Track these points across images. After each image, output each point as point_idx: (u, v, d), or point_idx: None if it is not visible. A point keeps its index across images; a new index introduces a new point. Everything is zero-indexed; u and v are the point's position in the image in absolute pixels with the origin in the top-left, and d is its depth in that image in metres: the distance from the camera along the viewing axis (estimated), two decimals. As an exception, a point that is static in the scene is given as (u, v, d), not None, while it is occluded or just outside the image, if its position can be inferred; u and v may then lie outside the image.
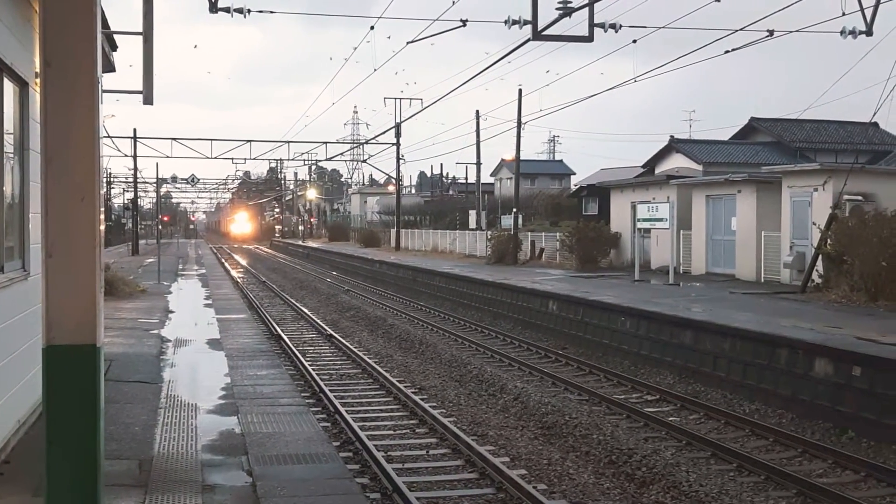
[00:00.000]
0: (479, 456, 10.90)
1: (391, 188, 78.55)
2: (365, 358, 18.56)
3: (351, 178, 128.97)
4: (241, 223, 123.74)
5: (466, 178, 79.94)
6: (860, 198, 23.66)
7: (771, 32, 19.48)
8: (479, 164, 56.36)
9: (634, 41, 21.22)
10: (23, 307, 8.97)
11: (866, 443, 12.17)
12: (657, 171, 45.46)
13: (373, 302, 32.11)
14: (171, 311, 23.28)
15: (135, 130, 55.61)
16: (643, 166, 49.59)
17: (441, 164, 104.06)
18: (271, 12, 19.87)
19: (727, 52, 20.67)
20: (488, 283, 28.90)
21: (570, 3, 17.11)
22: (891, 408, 12.20)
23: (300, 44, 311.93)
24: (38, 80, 8.43)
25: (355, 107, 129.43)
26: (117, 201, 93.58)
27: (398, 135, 57.60)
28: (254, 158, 65.39)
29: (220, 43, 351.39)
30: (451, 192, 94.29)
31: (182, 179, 75.80)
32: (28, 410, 9.33)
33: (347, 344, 20.60)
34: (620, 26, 18.54)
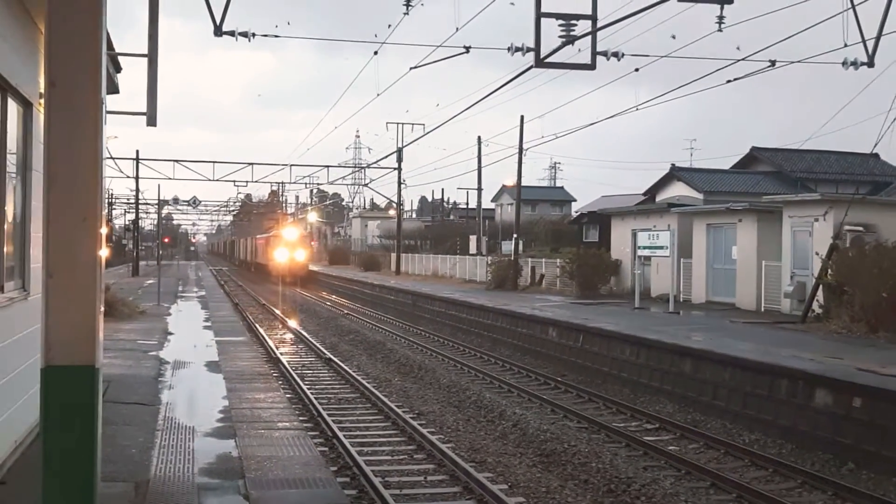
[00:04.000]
0: (476, 483, 10.84)
1: (392, 212, 78.58)
2: (363, 382, 18.49)
3: (352, 201, 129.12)
4: (288, 247, 60.73)
5: (467, 204, 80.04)
6: (861, 228, 23.67)
7: (773, 63, 19.56)
8: (480, 189, 56.49)
9: (637, 70, 21.29)
10: (22, 327, 8.95)
11: (866, 474, 12.10)
12: (658, 199, 45.48)
13: (372, 326, 32.04)
14: (171, 333, 23.24)
15: (137, 152, 55.55)
16: (644, 194, 49.63)
17: (442, 190, 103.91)
18: (276, 37, 19.96)
19: (729, 81, 20.74)
20: (488, 309, 28.85)
21: (573, 31, 17.17)
22: (891, 439, 12.14)
23: (313, 69, 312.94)
24: (42, 101, 8.46)
25: (357, 131, 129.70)
26: (118, 222, 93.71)
27: (400, 159, 57.75)
28: (255, 181, 65.16)
29: (233, 67, 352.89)
30: (451, 217, 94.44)
31: (184, 201, 75.87)
32: (25, 431, 9.29)
33: (346, 368, 20.54)
34: (623, 55, 18.59)
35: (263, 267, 68.16)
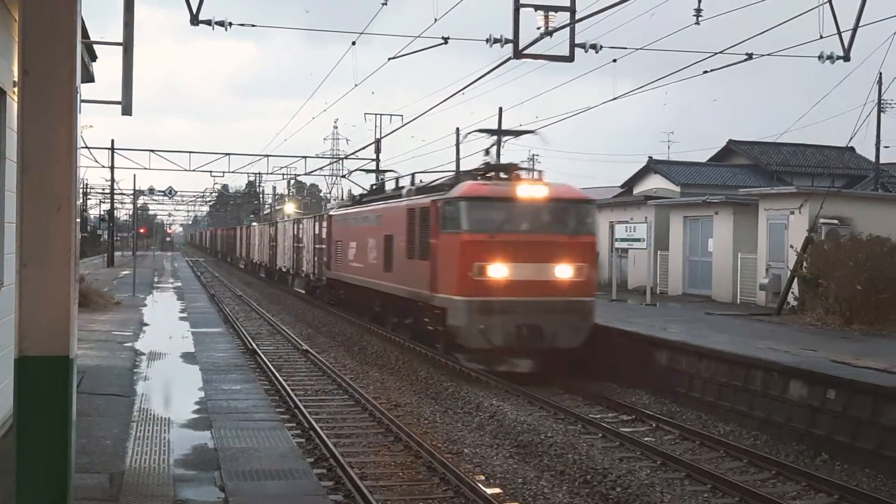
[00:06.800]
0: (453, 474, 10.85)
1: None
2: (340, 374, 18.46)
3: (330, 192, 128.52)
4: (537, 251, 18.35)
5: (445, 196, 79.85)
6: (836, 221, 23.88)
7: (750, 56, 19.63)
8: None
9: (614, 61, 21.31)
10: (-5, 317, 8.87)
11: (840, 465, 12.21)
12: (635, 191, 45.62)
13: (349, 318, 31.95)
14: (146, 324, 23.12)
15: (112, 141, 55.29)
16: (621, 186, 49.75)
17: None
18: (252, 26, 19.83)
19: (705, 72, 20.79)
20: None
21: (552, 22, 17.17)
22: (864, 431, 12.25)
23: (296, 59, 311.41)
24: (15, 89, 8.37)
25: (335, 121, 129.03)
26: (93, 212, 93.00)
27: (378, 150, 57.57)
28: (232, 172, 64.77)
29: (216, 57, 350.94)
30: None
31: (159, 191, 75.29)
32: (-2, 422, 9.21)
33: (323, 360, 20.49)
34: (601, 47, 18.62)
35: (386, 301, 25.44)
